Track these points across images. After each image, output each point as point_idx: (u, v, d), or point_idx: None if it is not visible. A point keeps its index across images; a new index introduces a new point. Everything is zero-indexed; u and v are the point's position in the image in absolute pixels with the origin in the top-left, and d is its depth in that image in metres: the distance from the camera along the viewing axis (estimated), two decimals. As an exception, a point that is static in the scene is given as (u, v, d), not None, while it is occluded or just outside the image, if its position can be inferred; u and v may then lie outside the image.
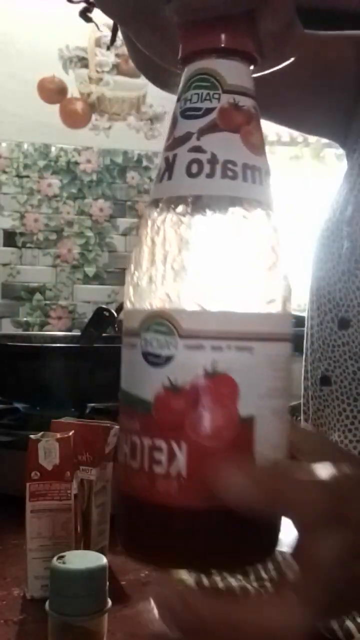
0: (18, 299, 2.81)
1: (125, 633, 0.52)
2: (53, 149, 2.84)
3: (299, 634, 0.30)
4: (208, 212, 0.32)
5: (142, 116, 2.93)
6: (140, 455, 0.32)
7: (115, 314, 1.17)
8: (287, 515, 0.32)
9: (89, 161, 2.88)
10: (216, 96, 0.32)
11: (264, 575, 0.56)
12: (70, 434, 0.61)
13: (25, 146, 2.81)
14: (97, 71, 2.89)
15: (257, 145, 0.33)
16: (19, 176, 2.81)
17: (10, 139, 2.79)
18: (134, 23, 0.38)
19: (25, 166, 2.82)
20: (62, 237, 2.85)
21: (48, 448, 0.59)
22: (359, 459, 0.56)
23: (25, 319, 2.81)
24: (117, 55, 2.84)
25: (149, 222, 0.33)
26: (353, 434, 0.68)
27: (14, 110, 2.73)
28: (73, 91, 2.87)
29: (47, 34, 2.73)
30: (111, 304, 2.63)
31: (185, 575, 0.42)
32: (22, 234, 2.81)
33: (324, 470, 0.32)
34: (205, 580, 0.45)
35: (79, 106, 2.88)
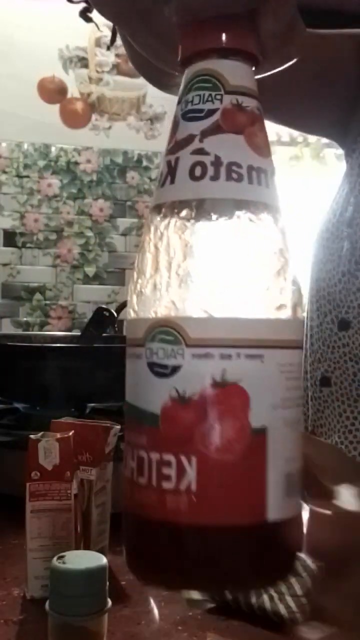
0: (18, 299, 2.81)
1: (125, 633, 0.52)
2: (53, 149, 2.84)
3: None
4: (213, 216, 0.31)
5: (142, 116, 2.94)
6: (147, 471, 0.30)
7: (115, 314, 1.17)
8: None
9: (89, 161, 2.88)
10: (218, 97, 0.31)
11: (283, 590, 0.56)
12: (70, 434, 0.61)
13: (25, 146, 2.81)
14: (97, 71, 2.89)
15: (262, 146, 0.32)
16: (19, 176, 2.81)
17: (10, 139, 2.79)
18: (130, 24, 0.38)
19: (25, 166, 2.82)
20: (62, 237, 2.85)
21: (48, 448, 0.59)
22: None
23: (25, 319, 2.81)
24: (117, 55, 2.84)
25: (152, 228, 0.32)
26: (353, 435, 0.68)
27: (14, 110, 2.73)
28: (73, 91, 2.87)
29: (47, 34, 2.74)
30: (111, 304, 2.63)
31: (197, 595, 0.41)
32: (22, 234, 2.81)
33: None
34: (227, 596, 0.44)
35: (79, 106, 2.88)
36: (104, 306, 1.22)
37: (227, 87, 0.32)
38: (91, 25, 0.99)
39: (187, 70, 0.33)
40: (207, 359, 0.29)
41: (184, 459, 0.29)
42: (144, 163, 2.92)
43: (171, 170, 0.32)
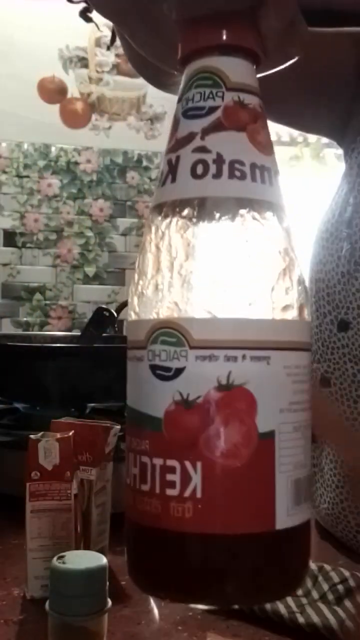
0: (18, 299, 2.81)
1: (125, 633, 0.53)
2: (53, 149, 2.84)
3: None
4: (216, 214, 0.30)
5: (142, 116, 2.94)
6: (150, 477, 0.29)
7: (115, 314, 1.17)
8: None
9: (89, 161, 2.88)
10: (220, 94, 0.31)
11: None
12: (70, 434, 0.61)
13: (25, 146, 2.81)
14: (97, 71, 2.89)
15: (264, 144, 0.31)
16: (19, 176, 2.81)
17: (10, 139, 2.79)
18: (129, 23, 0.38)
19: (25, 166, 2.82)
20: (62, 237, 2.85)
21: (48, 448, 0.59)
22: None
23: (25, 319, 2.81)
24: (117, 55, 2.84)
25: (153, 228, 0.31)
26: (353, 436, 0.68)
27: (14, 110, 2.73)
28: (73, 91, 2.87)
29: (47, 34, 2.74)
30: (111, 304, 2.63)
31: (202, 605, 0.40)
32: (22, 234, 2.81)
33: None
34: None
35: (79, 106, 2.88)
36: (104, 306, 1.22)
37: (228, 84, 0.31)
38: (91, 25, 0.99)
39: (187, 68, 0.32)
40: (212, 361, 0.28)
41: (188, 464, 0.28)
42: (144, 163, 2.92)
43: (172, 169, 0.31)
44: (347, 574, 0.57)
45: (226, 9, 0.31)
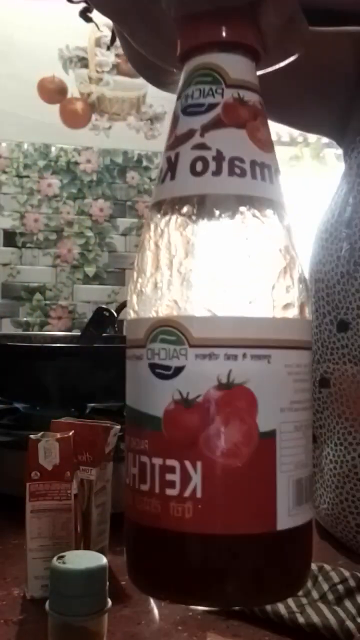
0: (18, 299, 2.81)
1: (125, 633, 0.53)
2: (53, 149, 2.84)
3: None
4: (216, 212, 0.30)
5: (142, 116, 2.94)
6: (150, 477, 0.29)
7: (115, 314, 1.17)
8: None
9: (89, 161, 2.88)
10: (219, 91, 0.30)
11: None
12: (70, 434, 0.61)
13: (25, 146, 2.81)
14: (97, 71, 2.89)
15: (264, 141, 0.31)
16: (19, 176, 2.81)
17: (10, 139, 2.79)
18: (129, 21, 0.37)
19: (25, 166, 2.82)
20: (62, 237, 2.85)
21: (48, 448, 0.59)
22: None
23: (25, 319, 2.81)
24: (117, 55, 2.84)
25: (152, 226, 0.31)
26: (353, 436, 0.68)
27: (14, 110, 2.73)
28: (73, 91, 2.87)
29: (47, 34, 2.74)
30: (111, 304, 2.63)
31: (202, 606, 0.40)
32: (22, 234, 2.81)
33: None
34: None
35: (79, 106, 2.88)
36: (104, 306, 1.22)
37: (228, 80, 0.31)
38: (91, 25, 0.99)
39: (187, 65, 0.32)
40: (212, 359, 0.28)
41: (188, 464, 0.28)
42: (144, 163, 2.92)
43: (171, 166, 0.31)
44: (347, 574, 0.57)
45: (226, 6, 0.31)
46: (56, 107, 2.85)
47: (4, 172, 2.79)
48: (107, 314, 1.16)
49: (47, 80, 2.82)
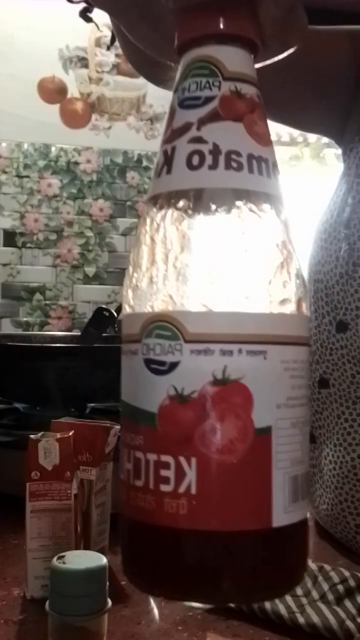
0: (18, 299, 2.81)
1: (125, 633, 0.53)
2: (53, 149, 2.84)
3: None
4: (212, 206, 0.29)
5: (142, 116, 2.93)
6: (144, 473, 0.29)
7: (115, 314, 1.17)
8: None
9: (89, 161, 2.88)
10: (216, 84, 0.30)
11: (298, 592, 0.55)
12: (70, 434, 0.61)
13: (25, 146, 2.81)
14: (97, 71, 2.89)
15: (262, 135, 0.30)
16: (19, 176, 2.81)
17: (10, 139, 2.79)
18: (127, 15, 0.37)
19: (25, 166, 2.82)
20: (62, 237, 2.85)
21: (48, 448, 0.59)
22: None
23: (25, 319, 2.81)
24: (117, 55, 2.84)
25: (148, 220, 0.31)
26: (352, 437, 0.68)
27: (14, 110, 2.73)
28: (73, 91, 2.87)
29: (47, 34, 2.74)
30: (111, 304, 2.63)
31: (196, 603, 0.40)
32: (22, 234, 2.81)
33: None
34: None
35: (79, 106, 2.88)
36: (104, 306, 1.22)
37: (225, 73, 0.30)
38: (91, 25, 0.99)
39: (184, 57, 0.32)
40: (207, 355, 0.28)
41: (183, 460, 0.28)
42: (144, 163, 2.92)
43: (168, 160, 0.30)
44: (347, 574, 0.57)
45: None
46: (56, 107, 2.85)
47: (4, 172, 2.79)
48: (107, 314, 1.16)
49: (47, 80, 2.82)
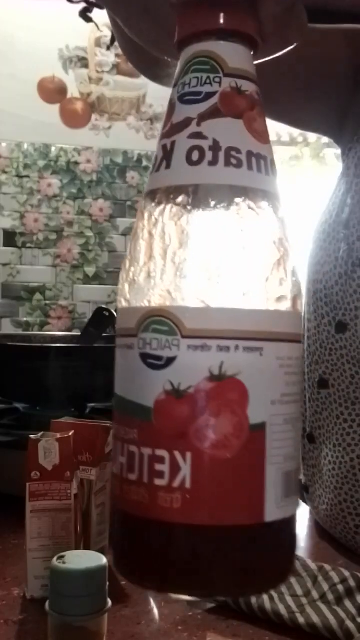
0: (18, 299, 2.81)
1: (125, 633, 0.53)
2: (53, 149, 2.84)
3: None
4: (211, 202, 0.29)
5: (142, 116, 2.93)
6: (138, 467, 0.29)
7: (115, 314, 1.16)
8: None
9: (89, 161, 2.88)
10: (217, 80, 0.30)
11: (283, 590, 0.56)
12: (70, 434, 0.61)
13: (25, 146, 2.81)
14: (97, 71, 2.89)
15: (261, 132, 0.31)
16: (19, 176, 2.81)
17: (10, 139, 2.79)
18: (125, 8, 0.37)
19: (25, 166, 2.82)
20: (62, 237, 2.85)
21: (48, 448, 0.59)
22: None
23: (25, 319, 2.81)
24: (117, 55, 2.84)
25: (146, 215, 0.31)
26: (351, 437, 0.68)
27: (14, 110, 2.73)
28: (73, 91, 2.87)
29: (47, 34, 2.74)
30: (111, 304, 2.63)
31: (188, 596, 0.40)
32: (22, 234, 2.81)
33: None
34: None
35: (79, 106, 2.88)
36: (104, 306, 1.22)
37: (226, 69, 0.30)
38: (91, 25, 0.99)
39: (184, 52, 0.32)
40: (204, 350, 0.28)
41: (178, 455, 0.28)
42: (144, 163, 2.92)
43: (167, 155, 0.30)
44: (347, 574, 0.57)
45: None
46: (56, 107, 2.85)
47: (4, 172, 2.79)
48: (107, 314, 1.16)
49: (47, 80, 2.82)
